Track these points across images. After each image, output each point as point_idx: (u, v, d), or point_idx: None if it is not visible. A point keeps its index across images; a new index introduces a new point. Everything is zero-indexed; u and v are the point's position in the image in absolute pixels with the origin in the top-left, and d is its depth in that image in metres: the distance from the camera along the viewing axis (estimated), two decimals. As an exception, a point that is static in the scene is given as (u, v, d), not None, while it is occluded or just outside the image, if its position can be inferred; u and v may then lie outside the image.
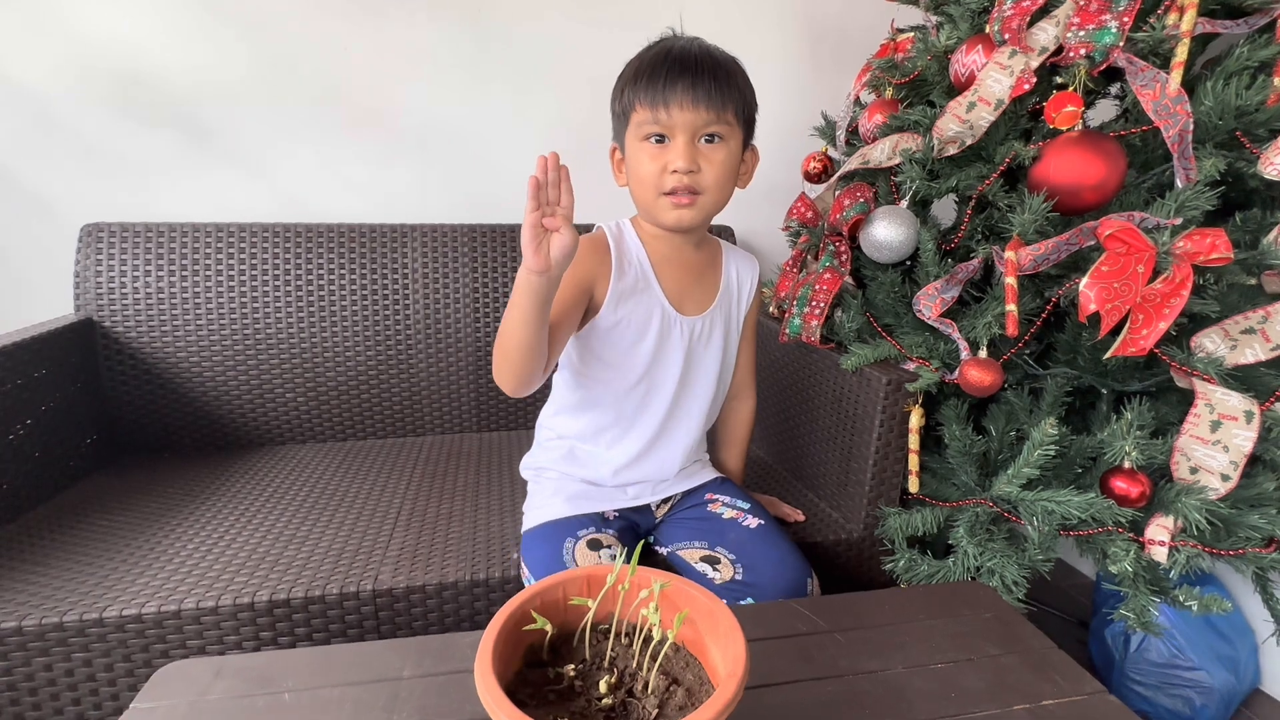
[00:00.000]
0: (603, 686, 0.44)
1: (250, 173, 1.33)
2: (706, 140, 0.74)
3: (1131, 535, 0.79)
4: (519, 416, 1.34)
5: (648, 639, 0.46)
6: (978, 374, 0.83)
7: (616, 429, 0.87)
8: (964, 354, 0.88)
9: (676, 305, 0.84)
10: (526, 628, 0.45)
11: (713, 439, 1.03)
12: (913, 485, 0.91)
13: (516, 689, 0.44)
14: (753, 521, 0.84)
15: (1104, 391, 0.93)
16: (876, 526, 0.95)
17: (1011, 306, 0.81)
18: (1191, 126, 0.77)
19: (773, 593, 0.76)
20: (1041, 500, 0.83)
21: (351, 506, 0.99)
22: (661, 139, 0.74)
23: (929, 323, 0.92)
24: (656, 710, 0.42)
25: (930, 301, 0.90)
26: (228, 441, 1.23)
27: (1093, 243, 0.80)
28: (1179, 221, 0.76)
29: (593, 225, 0.86)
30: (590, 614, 0.47)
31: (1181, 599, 0.78)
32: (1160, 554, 0.76)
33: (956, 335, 0.89)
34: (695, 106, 0.72)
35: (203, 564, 0.83)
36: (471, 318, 1.29)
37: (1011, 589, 0.82)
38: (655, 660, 0.45)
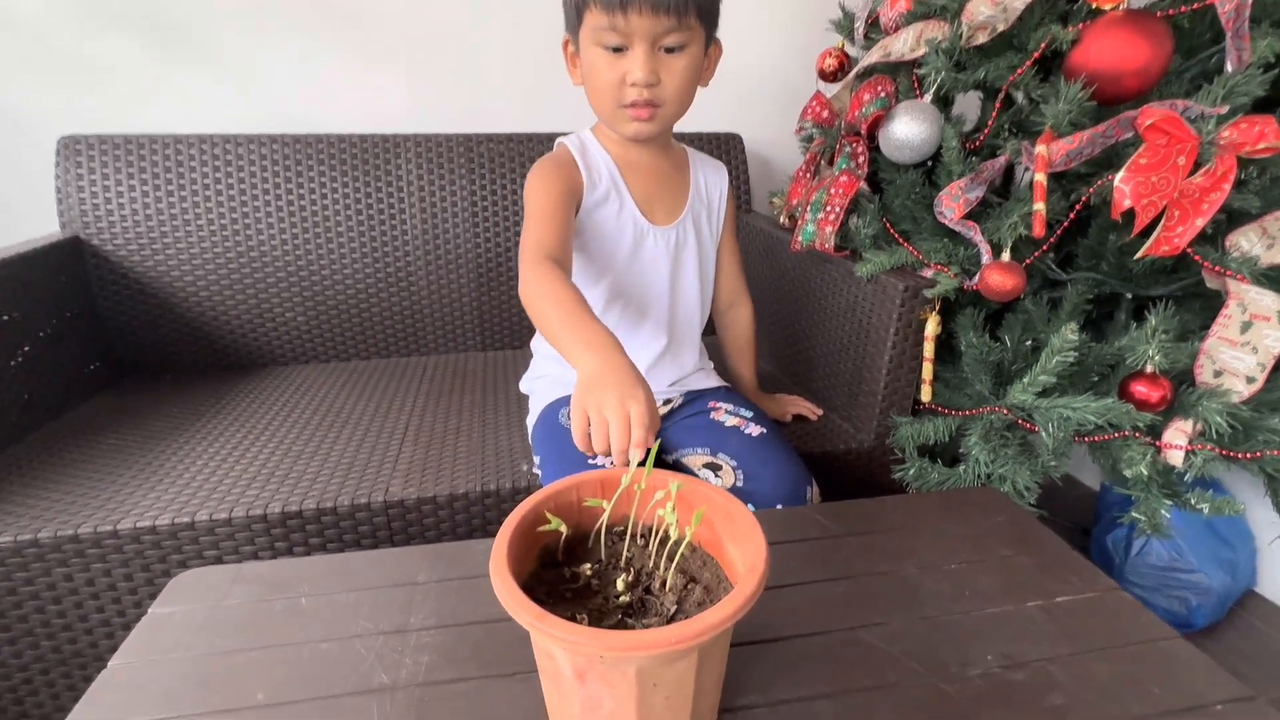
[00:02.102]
0: (619, 585, 0.43)
1: (230, 82, 1.25)
2: (667, 50, 0.69)
3: (1148, 440, 0.78)
4: (524, 335, 1.32)
5: (664, 539, 0.45)
6: (1000, 278, 0.80)
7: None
8: (985, 258, 0.85)
9: (647, 214, 0.82)
10: (541, 529, 0.44)
11: (719, 353, 1.02)
12: (925, 394, 0.90)
13: (532, 588, 0.43)
14: (754, 429, 0.83)
15: (1126, 298, 0.90)
16: (887, 436, 0.94)
17: (1039, 205, 0.77)
18: (1250, 0, 0.71)
19: (772, 500, 0.76)
20: (1058, 407, 0.81)
21: (358, 423, 0.99)
22: (619, 48, 0.68)
23: (950, 226, 0.88)
24: (675, 606, 0.42)
25: (953, 202, 0.86)
26: (229, 362, 1.21)
27: (1130, 135, 0.75)
28: (1225, 110, 0.71)
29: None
30: (605, 515, 0.46)
31: (1193, 502, 0.77)
32: (1176, 458, 0.76)
33: (979, 238, 0.85)
34: (655, 14, 0.65)
35: (213, 478, 0.83)
36: (471, 233, 1.24)
37: (1023, 494, 0.82)
38: (672, 560, 0.44)
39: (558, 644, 0.35)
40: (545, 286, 0.61)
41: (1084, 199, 0.81)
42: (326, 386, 1.13)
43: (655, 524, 0.47)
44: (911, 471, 0.91)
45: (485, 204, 1.25)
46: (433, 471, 0.85)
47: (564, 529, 0.45)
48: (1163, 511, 0.78)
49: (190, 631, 0.52)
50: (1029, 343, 0.92)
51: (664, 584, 0.44)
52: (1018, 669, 0.50)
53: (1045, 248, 0.85)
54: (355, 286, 1.22)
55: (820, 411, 1.01)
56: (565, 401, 0.82)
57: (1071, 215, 0.82)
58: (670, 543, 0.44)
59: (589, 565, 0.45)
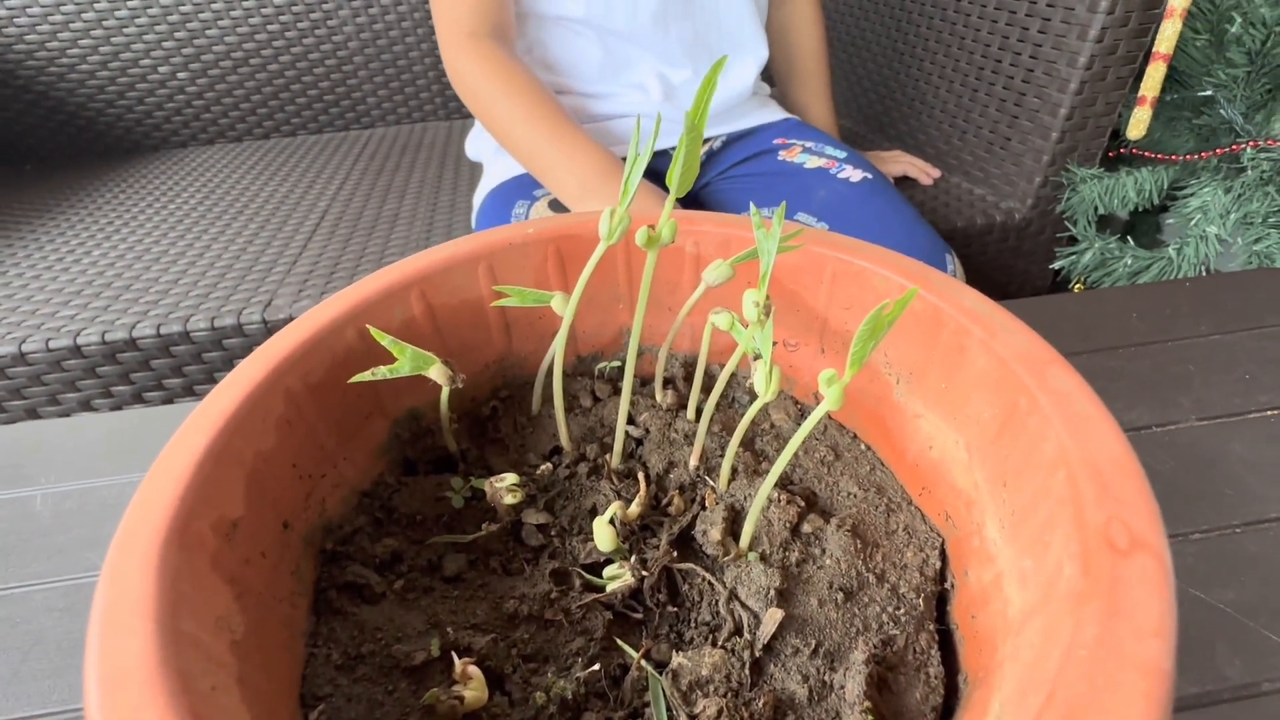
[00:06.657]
0: (601, 536, 0.14)
1: None
2: None
3: None
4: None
5: (733, 395, 0.15)
6: None
7: (611, 59, 0.49)
8: None
9: None
10: (357, 379, 0.14)
11: (775, 78, 0.64)
12: (1139, 125, 0.54)
13: (344, 563, 0.15)
14: (853, 173, 0.49)
15: None
16: (1055, 203, 0.60)
17: None
18: None
19: None
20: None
21: (255, 215, 0.68)
22: None
23: None
24: (775, 604, 0.13)
25: None
26: (107, 146, 0.89)
27: None
28: None
29: None
30: (564, 329, 0.16)
31: None
32: None
33: None
34: None
35: (18, 296, 0.55)
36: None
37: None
38: (766, 461, 0.15)
39: None
40: (505, 91, 0.44)
41: None
42: (228, 170, 0.81)
43: (705, 347, 0.17)
44: (1088, 256, 0.58)
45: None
46: (344, 277, 0.55)
47: (446, 378, 0.15)
48: None
49: None
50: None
51: (728, 527, 0.14)
52: None
53: None
54: (263, 37, 0.83)
55: (936, 173, 0.66)
56: (519, 187, 0.50)
57: None
58: (756, 407, 0.14)
59: (512, 480, 0.15)
